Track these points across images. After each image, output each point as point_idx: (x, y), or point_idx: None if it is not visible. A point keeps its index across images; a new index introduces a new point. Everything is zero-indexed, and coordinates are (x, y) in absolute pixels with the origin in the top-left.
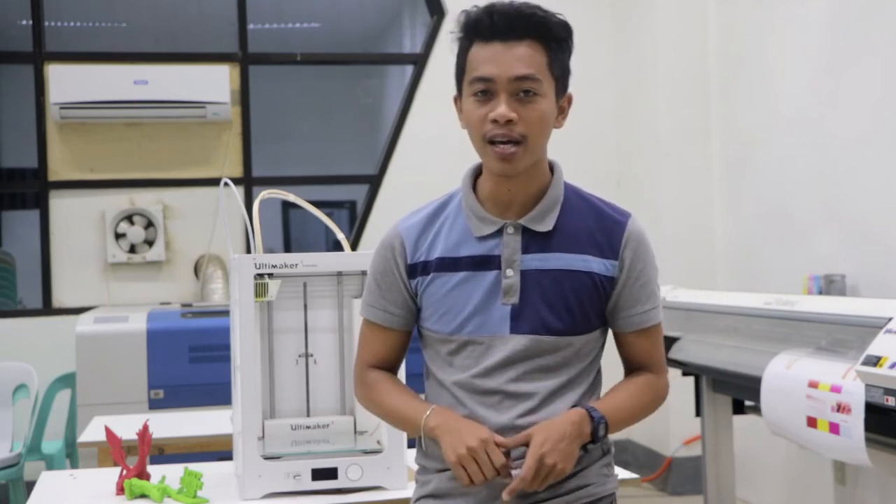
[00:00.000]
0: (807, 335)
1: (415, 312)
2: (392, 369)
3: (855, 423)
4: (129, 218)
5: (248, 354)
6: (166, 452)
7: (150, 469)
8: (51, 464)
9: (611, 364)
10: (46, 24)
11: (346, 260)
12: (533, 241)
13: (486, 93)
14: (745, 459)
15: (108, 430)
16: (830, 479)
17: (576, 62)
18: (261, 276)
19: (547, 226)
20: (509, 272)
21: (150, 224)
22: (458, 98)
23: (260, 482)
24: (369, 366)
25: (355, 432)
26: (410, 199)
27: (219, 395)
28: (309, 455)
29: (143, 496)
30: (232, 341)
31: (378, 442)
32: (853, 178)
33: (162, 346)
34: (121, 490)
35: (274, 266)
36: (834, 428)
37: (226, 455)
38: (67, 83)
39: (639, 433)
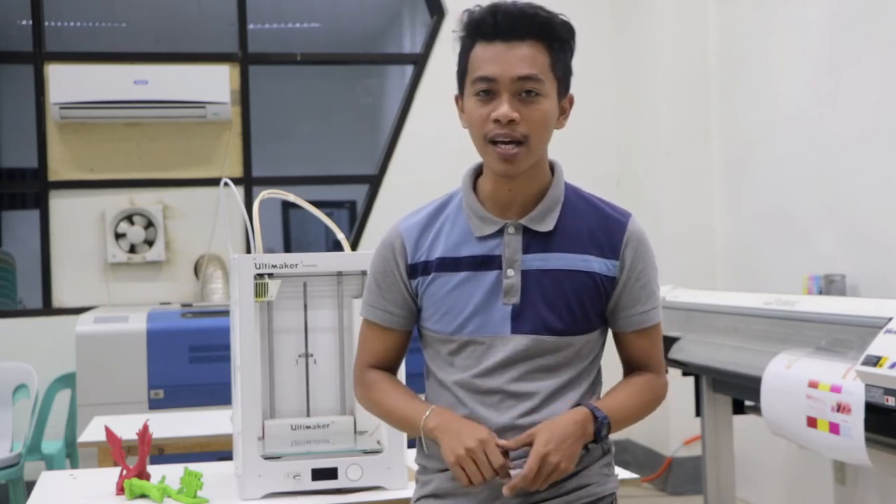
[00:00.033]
0: (807, 335)
1: (415, 312)
2: (392, 369)
3: (855, 423)
4: (129, 218)
5: (248, 354)
6: (166, 452)
7: (150, 469)
8: (51, 464)
9: (611, 364)
10: (46, 24)
11: (346, 260)
12: (534, 241)
13: (489, 92)
14: (745, 459)
15: (108, 430)
16: (830, 479)
17: (576, 62)
18: (261, 276)
19: (548, 226)
20: (510, 272)
21: (150, 224)
22: (459, 97)
23: (260, 482)
24: (369, 366)
25: (355, 432)
26: (410, 199)
27: (219, 395)
28: (309, 455)
29: (143, 496)
30: (232, 341)
31: (378, 442)
32: (853, 178)
33: (162, 346)
34: (121, 490)
35: (274, 266)
36: (834, 428)
37: (226, 455)
38: (67, 83)
39: (639, 433)
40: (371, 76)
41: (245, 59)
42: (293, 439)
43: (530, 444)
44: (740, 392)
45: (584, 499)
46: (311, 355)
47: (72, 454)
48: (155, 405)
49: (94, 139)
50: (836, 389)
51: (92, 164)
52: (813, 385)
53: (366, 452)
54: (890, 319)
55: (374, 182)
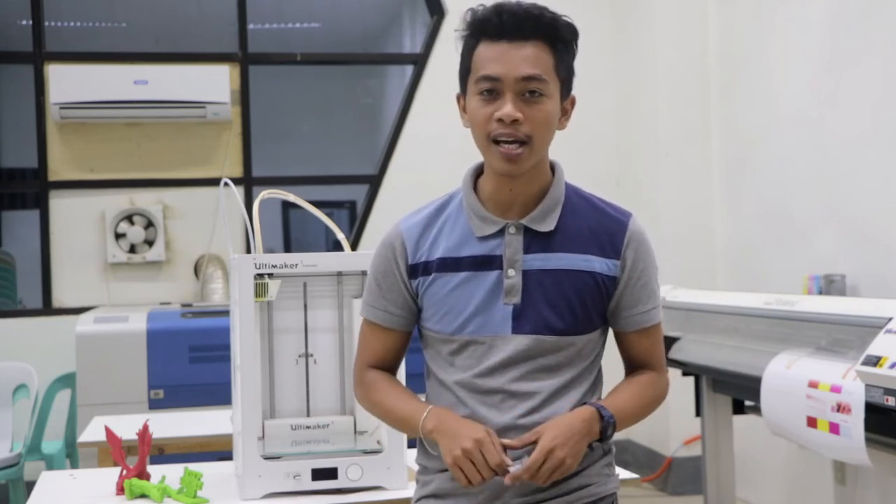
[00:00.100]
0: (807, 335)
1: (415, 313)
2: (391, 369)
3: (855, 423)
4: (129, 218)
5: (248, 354)
6: (166, 452)
7: (150, 469)
8: (51, 464)
9: (611, 364)
10: (46, 24)
11: (346, 260)
12: (534, 241)
13: (492, 92)
14: (745, 459)
15: (108, 430)
16: (830, 479)
17: (576, 62)
18: (261, 276)
19: (548, 226)
20: (511, 272)
21: (150, 224)
22: (461, 96)
23: (260, 482)
24: (369, 366)
25: (355, 432)
26: (410, 199)
27: (219, 395)
28: (309, 455)
29: (143, 496)
30: (232, 341)
31: (378, 442)
32: (853, 178)
33: (162, 346)
34: (121, 490)
35: (274, 266)
36: (834, 428)
37: (226, 455)
38: (67, 83)
39: (639, 433)
40: (371, 76)
41: (245, 59)
42: (293, 439)
43: (535, 444)
44: (740, 392)
45: (585, 499)
46: (311, 355)
47: (72, 454)
48: (155, 405)
49: (94, 139)
50: (836, 389)
51: (92, 164)
52: (813, 385)
53: (366, 452)
54: (890, 319)
55: (374, 182)
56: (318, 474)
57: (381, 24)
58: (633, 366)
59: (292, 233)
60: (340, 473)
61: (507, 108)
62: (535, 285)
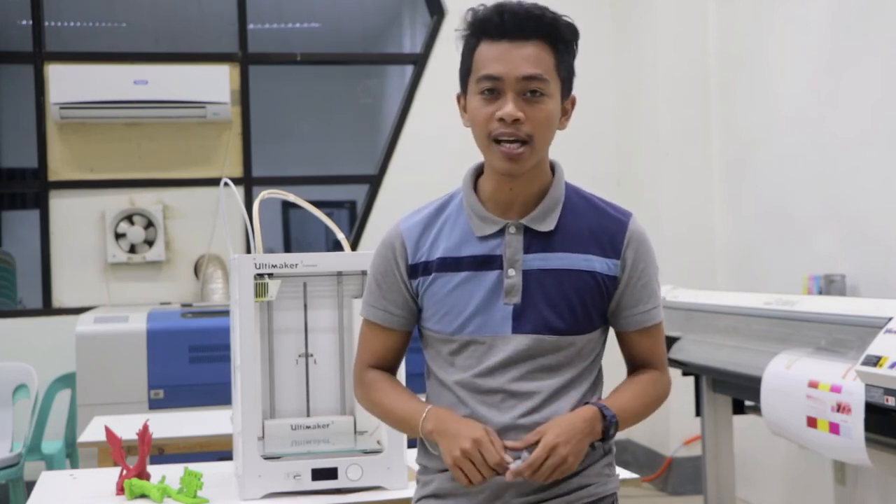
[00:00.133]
0: (807, 335)
1: (415, 313)
2: (392, 369)
3: (855, 423)
4: (129, 218)
5: (248, 354)
6: (166, 452)
7: (150, 469)
8: (51, 464)
9: (612, 363)
10: (46, 24)
11: (346, 260)
12: (535, 240)
13: (493, 91)
14: (745, 459)
15: (108, 430)
16: (830, 479)
17: (576, 62)
18: (261, 276)
19: (549, 225)
20: (511, 272)
21: (150, 224)
22: (461, 96)
23: (260, 482)
24: (369, 366)
25: (355, 432)
26: (410, 199)
27: (219, 395)
28: (309, 455)
29: (143, 496)
30: (232, 341)
31: (378, 442)
32: (853, 178)
33: (162, 346)
34: (121, 490)
35: (274, 266)
36: (834, 428)
37: (226, 455)
38: (67, 83)
39: (639, 433)
40: (371, 76)
41: (245, 59)
42: (293, 439)
43: (537, 444)
44: (740, 392)
45: (586, 499)
46: (311, 355)
47: (72, 454)
48: (155, 405)
49: (94, 139)
50: (836, 389)
51: (92, 164)
52: (813, 385)
53: (366, 452)
54: (890, 319)
55: (374, 182)
56: (318, 474)
57: (381, 24)
58: (634, 365)
59: (292, 233)
60: (340, 473)
61: (509, 108)
62: (536, 285)
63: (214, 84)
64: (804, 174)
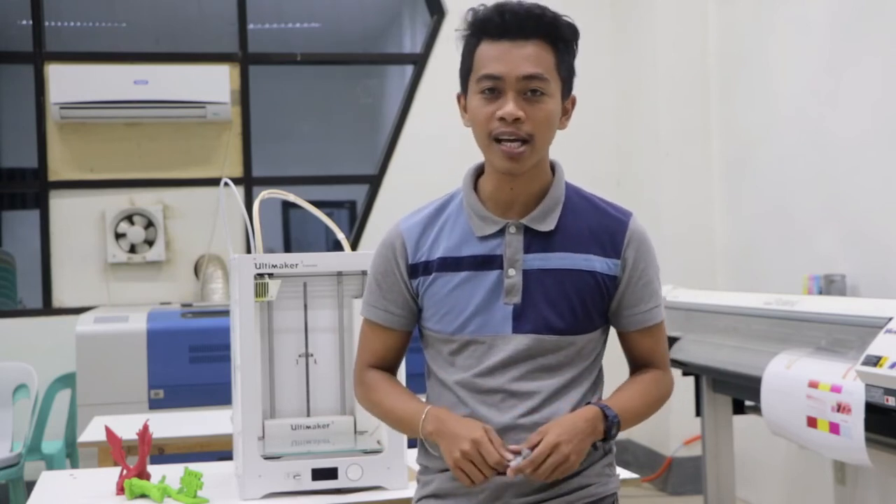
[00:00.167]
0: (807, 335)
1: (415, 312)
2: (392, 369)
3: (855, 423)
4: (129, 218)
5: (248, 354)
6: (166, 452)
7: (150, 469)
8: (51, 464)
9: (612, 363)
10: (46, 24)
11: (346, 260)
12: (535, 240)
13: (494, 91)
14: (745, 459)
15: (108, 430)
16: (830, 479)
17: (576, 62)
18: (261, 276)
19: (549, 225)
20: (511, 272)
21: (150, 224)
22: (461, 96)
23: (260, 482)
24: (369, 366)
25: (355, 432)
26: (410, 199)
27: (219, 395)
28: (309, 455)
29: (143, 496)
30: (232, 341)
31: (378, 442)
32: (853, 178)
33: (162, 346)
34: (121, 490)
35: (274, 266)
36: (834, 428)
37: (226, 455)
38: (67, 83)
39: (639, 433)
40: (371, 76)
41: (245, 59)
42: (293, 439)
43: (538, 445)
44: (740, 392)
45: (586, 499)
46: (312, 355)
47: (72, 454)
48: (155, 405)
49: (94, 139)
50: (836, 389)
51: (92, 164)
52: (813, 385)
53: (366, 452)
54: (890, 319)
55: (374, 182)
56: (318, 474)
57: (381, 24)
58: (636, 365)
59: (292, 233)
60: (340, 473)
61: (509, 107)
62: (536, 285)
63: (214, 84)
64: (804, 174)
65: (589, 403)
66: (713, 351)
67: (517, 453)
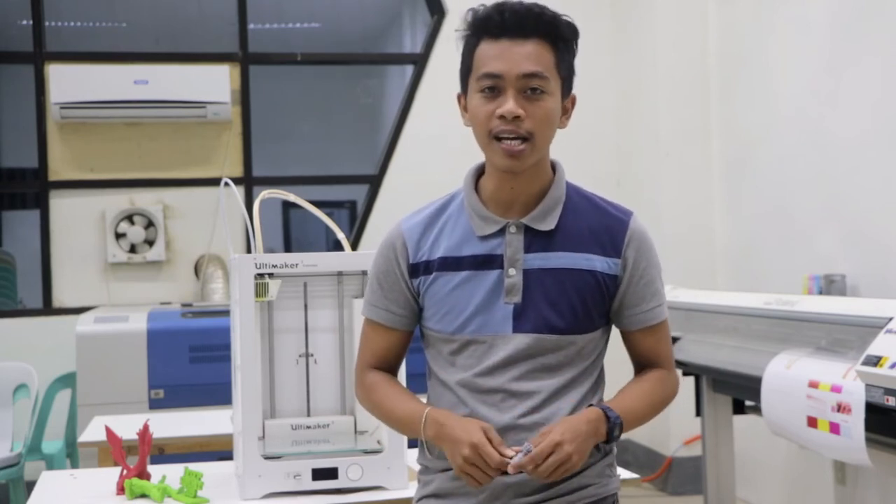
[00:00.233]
0: (807, 335)
1: (416, 312)
2: (393, 369)
3: (855, 423)
4: (129, 218)
5: (248, 354)
6: (166, 452)
7: (151, 469)
8: (51, 464)
9: (614, 363)
10: (46, 24)
11: (346, 260)
12: (535, 240)
13: (494, 89)
14: (745, 459)
15: (108, 430)
16: (830, 479)
17: (576, 62)
18: (261, 275)
19: (549, 225)
20: (512, 271)
21: (150, 224)
22: (461, 95)
23: (260, 482)
24: (370, 366)
25: (355, 432)
26: (410, 199)
27: (219, 395)
28: (309, 455)
29: (143, 496)
30: (232, 341)
31: (378, 442)
32: (853, 178)
33: (162, 346)
34: (121, 490)
35: (274, 266)
36: (834, 428)
37: (226, 455)
38: (67, 83)
39: (639, 433)
40: (371, 76)
41: (245, 59)
42: (293, 439)
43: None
44: (740, 392)
45: (586, 499)
46: (312, 355)
47: (72, 454)
48: (155, 405)
49: (94, 139)
50: (836, 389)
51: (92, 164)
52: (813, 385)
53: (366, 452)
54: (890, 319)
55: (374, 182)
56: (319, 474)
57: (381, 24)
58: (641, 365)
59: (292, 233)
60: (341, 473)
61: (509, 105)
62: (536, 284)
63: (214, 84)
64: (804, 174)
65: (591, 405)
66: (713, 351)
67: (519, 451)
